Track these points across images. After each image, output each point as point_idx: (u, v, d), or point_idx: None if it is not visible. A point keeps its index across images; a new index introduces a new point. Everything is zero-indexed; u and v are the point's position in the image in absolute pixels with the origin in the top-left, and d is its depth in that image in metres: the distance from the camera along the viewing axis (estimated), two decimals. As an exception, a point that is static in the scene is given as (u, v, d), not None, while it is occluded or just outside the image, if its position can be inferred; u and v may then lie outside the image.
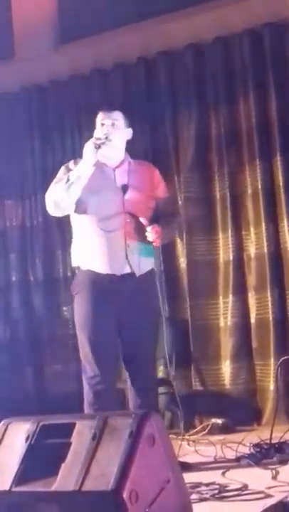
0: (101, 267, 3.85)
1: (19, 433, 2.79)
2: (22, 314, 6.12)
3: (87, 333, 3.84)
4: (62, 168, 3.98)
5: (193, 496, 3.12)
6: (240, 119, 5.46)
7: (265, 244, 5.27)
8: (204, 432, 5.01)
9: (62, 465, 2.61)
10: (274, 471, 3.58)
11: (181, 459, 3.62)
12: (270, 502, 2.93)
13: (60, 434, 2.71)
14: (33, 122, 6.17)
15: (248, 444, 4.08)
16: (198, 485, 3.36)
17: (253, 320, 5.36)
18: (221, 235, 5.50)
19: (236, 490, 3.27)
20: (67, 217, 4.08)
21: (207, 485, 3.37)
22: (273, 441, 4.01)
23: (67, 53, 6.09)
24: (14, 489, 2.66)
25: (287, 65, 5.29)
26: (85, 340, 3.85)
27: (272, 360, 5.19)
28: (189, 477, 3.25)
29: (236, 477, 3.50)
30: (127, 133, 4.02)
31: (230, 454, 4.06)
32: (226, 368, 5.42)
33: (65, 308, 5.87)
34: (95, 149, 3.77)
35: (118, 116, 3.99)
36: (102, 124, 3.94)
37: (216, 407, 5.35)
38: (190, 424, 5.27)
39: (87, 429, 2.66)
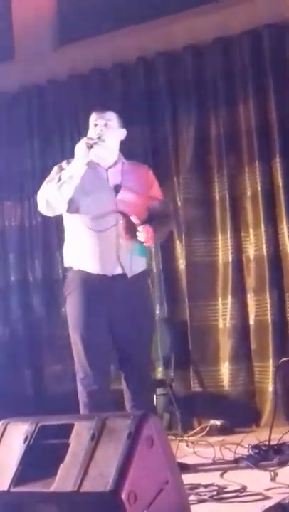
0: (93, 268, 3.84)
1: (18, 433, 2.79)
2: (21, 314, 6.12)
3: (79, 333, 3.84)
4: (55, 168, 3.97)
5: (192, 497, 3.12)
6: (239, 121, 5.46)
7: (264, 246, 5.27)
8: (203, 434, 5.01)
9: (61, 466, 2.61)
10: (273, 473, 3.58)
11: (179, 460, 3.61)
12: (268, 504, 2.93)
13: (59, 435, 2.71)
14: (32, 122, 6.17)
15: (247, 446, 4.08)
16: (196, 486, 3.36)
17: (251, 321, 5.36)
18: (220, 237, 5.50)
19: (235, 491, 3.27)
20: (66, 218, 4.08)
21: (206, 486, 3.36)
22: (272, 443, 4.01)
23: (67, 54, 6.09)
24: (13, 490, 2.66)
25: (287, 66, 5.29)
26: (77, 341, 3.85)
27: (270, 361, 5.19)
28: (188, 478, 3.26)
29: (235, 479, 3.50)
30: (121, 133, 4.01)
31: (229, 456, 4.06)
32: (225, 370, 5.42)
33: (64, 309, 5.86)
34: (87, 149, 3.76)
35: (112, 117, 3.98)
36: (96, 125, 3.94)
37: (214, 408, 5.35)
38: (189, 426, 5.28)
39: (86, 430, 2.66)
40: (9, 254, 6.21)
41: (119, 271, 3.84)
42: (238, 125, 5.46)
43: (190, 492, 3.19)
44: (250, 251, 5.39)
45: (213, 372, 5.47)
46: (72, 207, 3.89)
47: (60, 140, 5.96)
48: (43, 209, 3.92)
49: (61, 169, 3.90)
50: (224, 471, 3.74)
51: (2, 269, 6.22)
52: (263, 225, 5.29)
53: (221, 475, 3.67)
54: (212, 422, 5.14)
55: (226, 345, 5.43)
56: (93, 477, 2.53)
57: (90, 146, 3.76)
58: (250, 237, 5.39)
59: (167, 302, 5.64)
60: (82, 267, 3.88)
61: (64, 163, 3.93)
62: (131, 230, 3.82)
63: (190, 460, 4.11)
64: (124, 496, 2.44)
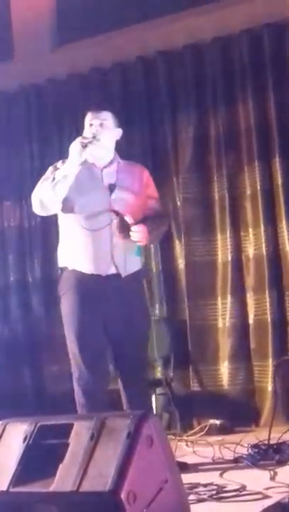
0: (87, 267, 3.84)
1: (17, 433, 2.80)
2: (20, 315, 6.12)
3: (74, 333, 3.83)
4: (50, 168, 3.96)
5: (191, 497, 3.13)
6: (239, 120, 5.45)
7: (263, 245, 5.27)
8: (202, 433, 5.01)
9: (60, 466, 2.62)
10: (272, 472, 3.59)
11: (178, 459, 3.61)
12: (268, 503, 2.94)
13: (58, 435, 2.72)
14: (31, 122, 6.17)
15: (246, 445, 4.09)
16: (196, 486, 3.36)
17: (251, 321, 5.36)
18: (219, 236, 5.50)
19: (234, 491, 3.28)
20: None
21: (205, 486, 3.37)
22: (271, 442, 4.02)
23: (66, 53, 6.09)
24: (12, 490, 2.67)
25: (286, 65, 5.29)
26: (72, 341, 3.85)
27: (270, 360, 5.19)
28: (187, 478, 3.26)
29: (234, 478, 3.50)
30: (117, 133, 4.00)
31: (229, 455, 4.06)
32: (224, 369, 5.42)
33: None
34: (81, 148, 3.75)
35: (107, 117, 3.97)
36: (91, 125, 3.93)
37: (214, 407, 5.35)
38: (188, 425, 5.28)
39: (85, 429, 2.67)
40: (8, 254, 6.21)
41: (113, 270, 3.83)
42: (238, 124, 5.46)
43: (189, 491, 3.19)
44: (250, 250, 5.39)
45: (213, 371, 5.47)
46: (67, 206, 3.88)
47: (59, 140, 5.95)
48: (37, 209, 3.91)
49: (56, 169, 3.90)
50: (224, 470, 3.75)
51: (1, 270, 6.22)
52: (262, 225, 5.29)
53: (221, 474, 3.67)
54: (211, 421, 5.14)
55: (225, 345, 5.43)
56: (92, 477, 2.53)
57: (84, 146, 3.76)
58: (249, 236, 5.39)
59: (167, 302, 5.65)
60: (76, 267, 3.87)
61: (59, 163, 3.92)
62: (125, 229, 3.80)
63: (189, 459, 4.11)
64: (123, 495, 2.45)
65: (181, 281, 5.62)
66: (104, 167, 3.96)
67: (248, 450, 4.01)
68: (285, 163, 5.26)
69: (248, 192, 5.40)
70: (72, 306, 3.86)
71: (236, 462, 3.93)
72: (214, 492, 3.26)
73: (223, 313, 5.45)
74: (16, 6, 6.33)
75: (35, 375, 5.98)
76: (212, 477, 3.58)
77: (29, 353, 6.03)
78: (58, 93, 6.06)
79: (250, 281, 5.38)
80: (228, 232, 5.44)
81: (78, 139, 3.80)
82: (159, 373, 5.50)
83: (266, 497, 3.12)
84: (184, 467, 3.76)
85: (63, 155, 3.98)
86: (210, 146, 5.56)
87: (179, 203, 5.64)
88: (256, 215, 5.34)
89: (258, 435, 4.26)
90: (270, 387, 5.17)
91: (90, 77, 5.94)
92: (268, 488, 3.24)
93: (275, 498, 3.03)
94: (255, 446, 4.03)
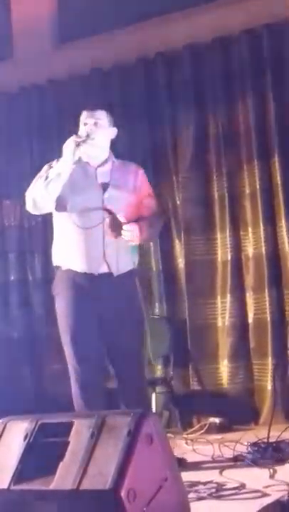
0: (79, 266, 3.83)
1: (17, 432, 2.80)
2: (21, 314, 6.13)
3: (68, 333, 3.82)
4: (45, 167, 3.96)
5: (191, 495, 3.14)
6: (238, 120, 5.46)
7: (263, 244, 5.29)
8: (202, 431, 5.02)
9: (61, 464, 2.63)
10: (271, 470, 3.60)
11: (177, 456, 3.62)
12: (267, 501, 2.95)
13: (59, 433, 2.72)
14: (31, 122, 6.18)
15: (246, 443, 4.09)
16: (195, 484, 3.37)
17: (250, 320, 5.37)
18: (219, 235, 5.51)
19: (234, 489, 3.29)
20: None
21: (205, 484, 3.38)
22: (271, 441, 4.02)
23: (66, 53, 6.09)
24: (12, 488, 2.67)
25: (286, 65, 5.30)
26: (67, 341, 3.84)
27: (269, 359, 5.20)
28: (187, 476, 3.26)
29: (234, 476, 3.52)
30: (111, 132, 4.00)
31: (228, 453, 4.06)
32: (224, 368, 5.43)
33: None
34: (74, 147, 3.75)
35: (101, 116, 3.96)
36: (85, 124, 3.93)
37: (213, 406, 5.36)
38: (188, 424, 5.29)
39: (85, 428, 2.67)
40: (9, 253, 6.22)
41: (105, 269, 3.82)
42: (237, 124, 5.47)
43: (189, 489, 3.20)
44: (249, 249, 5.40)
45: (212, 370, 5.48)
46: (61, 205, 3.88)
47: (59, 140, 5.91)
48: (30, 207, 3.91)
49: (51, 167, 3.89)
50: (223, 468, 3.75)
51: (2, 269, 6.23)
52: (261, 224, 5.30)
53: (220, 472, 3.68)
54: (211, 419, 5.14)
55: (225, 344, 5.44)
56: (93, 475, 2.54)
57: (77, 145, 3.76)
58: (249, 235, 5.41)
59: (166, 301, 5.65)
60: (69, 266, 3.86)
61: (54, 162, 3.91)
62: (116, 228, 3.79)
63: (189, 458, 4.12)
64: (123, 493, 2.45)
65: (180, 281, 5.63)
66: (99, 166, 3.95)
67: (247, 448, 4.01)
68: (284, 162, 5.27)
69: (248, 191, 5.42)
70: (66, 305, 3.86)
71: (236, 460, 3.94)
72: (214, 490, 3.28)
73: (223, 312, 5.46)
74: (16, 6, 6.33)
75: (35, 374, 5.99)
76: (212, 475, 3.59)
77: (29, 352, 6.04)
78: (58, 93, 6.07)
79: (249, 280, 5.39)
80: (227, 231, 5.45)
81: (72, 138, 3.80)
82: (159, 372, 5.52)
83: (265, 495, 3.13)
84: (184, 463, 3.78)
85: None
86: (209, 146, 5.57)
87: (178, 202, 5.65)
88: (256, 215, 5.35)
89: (258, 433, 4.27)
90: (269, 386, 5.19)
91: (91, 77, 5.94)
92: (267, 486, 3.25)
93: (275, 496, 3.05)
94: (254, 444, 4.03)
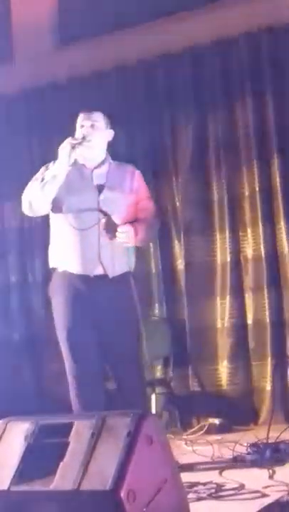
0: (75, 267, 3.83)
1: (18, 432, 2.81)
2: (21, 315, 6.14)
3: (64, 335, 3.83)
4: (42, 169, 3.96)
5: (191, 495, 3.15)
6: (238, 122, 5.47)
7: (262, 245, 5.30)
8: (202, 432, 5.03)
9: (61, 464, 2.63)
10: (270, 471, 3.61)
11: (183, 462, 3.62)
12: (266, 501, 2.96)
13: (59, 434, 2.73)
14: (32, 124, 6.18)
15: (245, 444, 4.10)
16: (195, 484, 3.38)
17: (249, 321, 5.38)
18: (218, 237, 5.52)
19: (233, 489, 3.30)
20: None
21: (204, 484, 3.39)
22: (270, 441, 4.02)
23: (67, 55, 6.08)
24: (13, 488, 2.68)
25: (285, 67, 5.31)
26: (63, 343, 3.84)
27: (268, 360, 5.22)
28: (187, 476, 3.28)
29: (233, 476, 3.53)
30: (108, 134, 3.99)
31: (228, 454, 4.08)
32: (223, 369, 5.44)
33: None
34: (70, 149, 3.75)
35: (98, 118, 3.96)
36: (82, 126, 3.94)
37: (213, 407, 5.37)
38: (188, 424, 5.30)
39: (86, 428, 2.68)
40: (9, 254, 6.23)
41: (100, 271, 3.81)
42: (237, 126, 5.48)
43: (189, 490, 3.22)
44: (248, 251, 5.41)
45: (212, 371, 5.48)
46: (57, 207, 3.88)
47: (59, 141, 5.92)
48: (26, 209, 3.91)
49: (48, 169, 3.89)
50: (223, 469, 3.76)
51: (2, 270, 6.24)
52: (260, 225, 5.31)
53: (220, 473, 3.69)
54: (211, 420, 5.16)
55: (224, 345, 5.45)
56: (93, 476, 2.55)
57: (73, 147, 3.76)
58: (248, 236, 5.41)
59: (166, 302, 5.66)
60: (65, 268, 3.86)
61: (51, 164, 3.91)
62: (111, 229, 3.78)
63: (189, 458, 4.13)
64: (123, 494, 2.46)
65: (180, 282, 5.64)
66: (95, 168, 3.95)
67: (247, 449, 4.03)
68: (284, 163, 5.28)
69: (247, 192, 5.43)
70: (62, 307, 3.86)
71: (235, 461, 3.95)
72: (213, 490, 3.29)
73: (222, 313, 5.47)
74: (16, 8, 6.33)
75: (35, 375, 6.00)
76: (211, 476, 3.60)
77: (30, 353, 6.04)
78: (58, 95, 6.06)
79: (248, 281, 5.40)
80: (226, 232, 5.46)
81: (67, 140, 3.80)
82: (158, 373, 5.53)
83: (264, 496, 3.14)
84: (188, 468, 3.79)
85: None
86: (209, 147, 5.58)
87: (178, 204, 5.65)
88: (255, 216, 5.36)
89: (257, 434, 4.29)
90: (268, 387, 5.20)
91: (91, 78, 5.94)
92: (266, 487, 3.26)
93: (274, 496, 3.06)
94: (253, 445, 4.04)
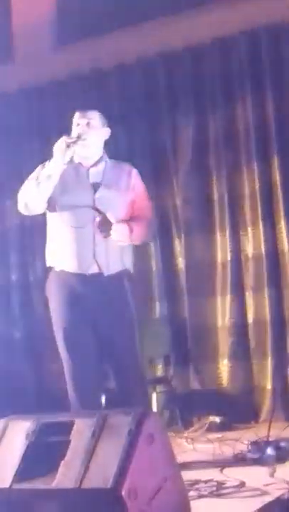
0: (70, 266, 3.83)
1: (19, 431, 2.82)
2: (22, 313, 6.15)
3: (61, 334, 3.83)
4: (39, 167, 3.95)
5: (192, 493, 3.16)
6: (238, 121, 5.48)
7: (262, 244, 5.31)
8: (202, 430, 5.04)
9: (62, 463, 2.64)
10: (271, 469, 3.62)
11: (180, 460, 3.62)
12: (267, 499, 2.97)
13: (60, 432, 2.74)
14: (32, 123, 6.18)
15: (246, 442, 4.11)
16: (196, 482, 3.39)
17: (250, 319, 5.39)
18: (218, 236, 5.53)
19: (234, 487, 3.31)
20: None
21: (205, 482, 3.39)
22: (271, 439, 4.03)
23: (66, 54, 6.09)
24: (14, 486, 2.69)
25: (285, 66, 5.31)
26: (60, 342, 3.84)
27: (269, 359, 5.22)
28: (188, 474, 3.28)
29: (234, 474, 3.54)
30: (104, 132, 3.98)
31: (228, 452, 4.09)
32: (224, 367, 5.45)
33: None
34: (65, 148, 3.75)
35: (94, 116, 3.96)
36: (78, 124, 3.93)
37: (214, 405, 5.38)
38: (188, 422, 5.30)
39: (87, 427, 2.69)
40: (10, 253, 6.23)
41: (95, 269, 3.80)
42: (237, 125, 5.48)
43: (190, 488, 3.22)
44: (249, 249, 5.42)
45: (213, 369, 5.49)
46: (52, 205, 3.88)
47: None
48: (22, 208, 3.92)
49: (44, 168, 3.90)
50: (223, 466, 3.77)
51: (3, 269, 6.24)
52: (261, 224, 5.32)
53: (221, 471, 3.70)
54: (211, 418, 5.16)
55: (225, 343, 5.46)
56: (94, 474, 2.56)
57: (68, 145, 3.76)
58: (248, 235, 5.42)
59: (167, 300, 5.67)
60: (61, 267, 3.86)
61: (47, 162, 3.91)
62: (106, 227, 3.77)
63: (190, 456, 4.14)
64: (124, 492, 2.47)
65: (180, 281, 5.64)
66: (91, 166, 3.94)
67: (247, 447, 4.03)
68: (284, 162, 5.29)
69: (247, 192, 5.43)
70: (58, 306, 3.86)
71: (236, 459, 3.96)
72: (214, 488, 3.29)
73: (223, 312, 5.48)
74: (16, 7, 6.34)
75: (36, 373, 6.01)
76: (212, 473, 3.61)
77: (31, 351, 6.05)
78: (58, 94, 6.07)
79: (249, 280, 5.41)
80: (227, 231, 5.47)
81: (62, 139, 3.79)
82: (159, 371, 5.53)
83: (265, 493, 3.15)
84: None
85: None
86: (209, 147, 5.59)
87: (178, 203, 5.66)
88: (255, 215, 5.37)
89: (258, 432, 4.29)
90: (269, 385, 5.21)
91: (90, 78, 5.95)
92: (267, 485, 3.27)
93: (275, 494, 3.07)
94: (254, 443, 4.05)
